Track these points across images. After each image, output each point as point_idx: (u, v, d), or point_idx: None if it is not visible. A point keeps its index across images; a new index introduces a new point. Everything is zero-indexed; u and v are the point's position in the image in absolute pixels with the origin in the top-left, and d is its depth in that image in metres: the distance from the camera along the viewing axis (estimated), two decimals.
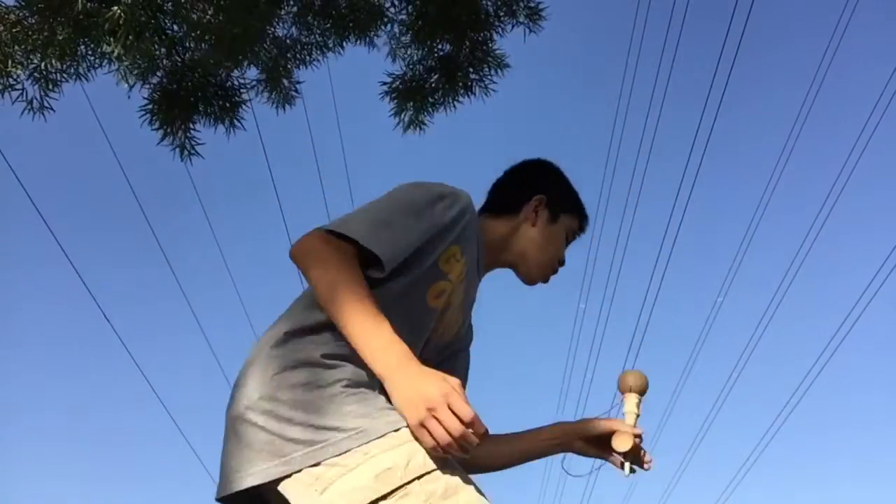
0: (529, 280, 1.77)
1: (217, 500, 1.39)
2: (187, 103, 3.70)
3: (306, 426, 1.30)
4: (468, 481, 1.29)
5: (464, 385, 1.71)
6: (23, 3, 3.37)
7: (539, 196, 1.76)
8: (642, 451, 1.72)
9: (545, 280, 1.79)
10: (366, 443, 1.27)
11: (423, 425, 1.25)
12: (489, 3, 4.23)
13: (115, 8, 3.35)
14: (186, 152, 3.75)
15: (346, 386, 1.35)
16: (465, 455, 1.27)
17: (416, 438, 1.27)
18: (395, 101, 4.51)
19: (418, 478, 1.25)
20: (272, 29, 4.49)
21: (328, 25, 4.62)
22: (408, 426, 1.29)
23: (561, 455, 1.80)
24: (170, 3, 3.59)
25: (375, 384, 1.37)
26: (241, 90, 3.90)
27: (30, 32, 3.37)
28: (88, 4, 3.39)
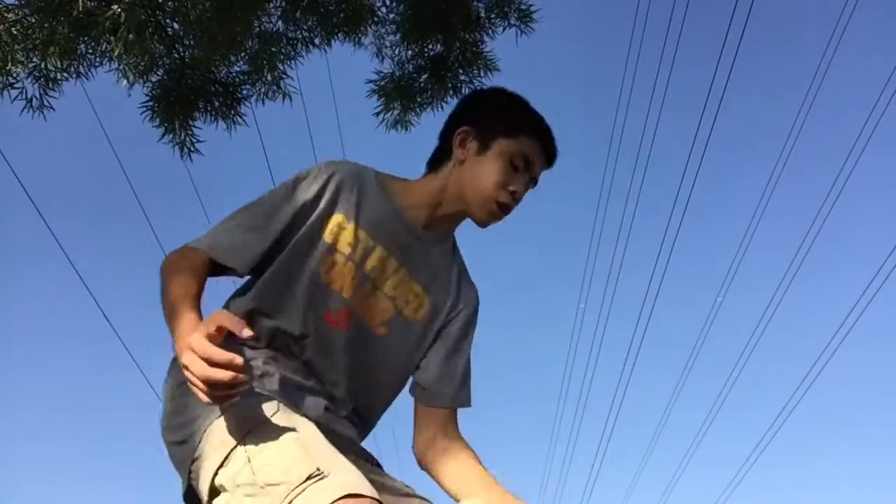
0: (478, 221, 1.60)
1: None
2: (187, 101, 3.70)
3: (177, 429, 1.39)
4: (292, 430, 1.28)
5: (461, 366, 1.64)
6: (23, 2, 3.32)
7: (462, 129, 1.59)
8: None
9: (495, 217, 1.59)
10: (210, 424, 1.31)
11: (190, 383, 1.23)
12: (480, 5, 4.28)
13: (115, 6, 3.33)
14: (187, 150, 3.76)
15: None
16: (232, 397, 1.23)
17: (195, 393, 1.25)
18: (383, 99, 4.55)
19: (243, 438, 1.26)
20: (259, 22, 4.48)
21: (315, 22, 4.62)
22: (248, 399, 1.32)
23: None
24: (170, 1, 3.57)
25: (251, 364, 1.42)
26: (241, 87, 3.90)
27: (30, 31, 3.33)
28: (89, 3, 3.36)
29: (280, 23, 4.63)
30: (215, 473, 1.27)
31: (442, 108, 4.53)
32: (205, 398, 1.21)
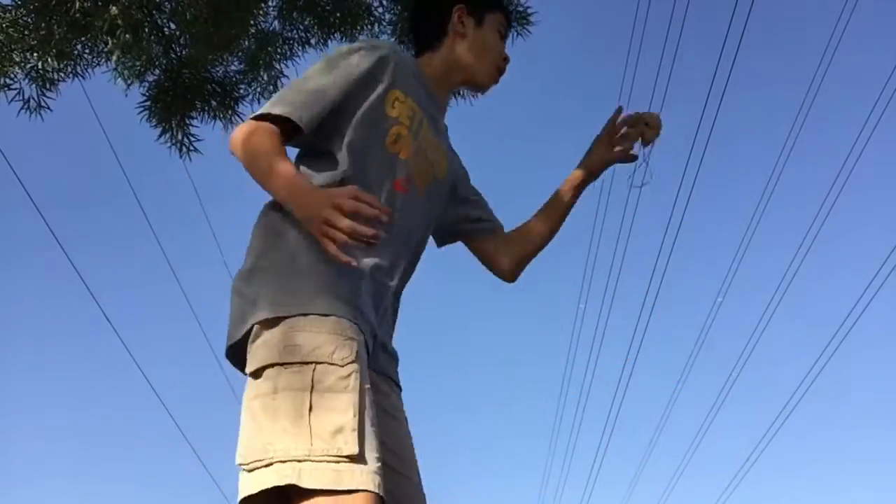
0: (482, 86, 1.88)
1: (226, 357, 1.54)
2: (184, 100, 3.70)
3: (266, 291, 1.45)
4: (359, 391, 1.36)
5: (486, 208, 1.96)
6: (19, 2, 3.32)
7: (457, 7, 1.84)
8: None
9: (496, 80, 1.89)
10: (297, 315, 1.40)
11: (324, 236, 1.37)
12: None
13: (113, 7, 3.33)
14: (185, 149, 3.77)
15: (316, 261, 1.46)
16: (375, 242, 1.37)
17: (326, 246, 1.38)
18: None
19: (317, 363, 1.34)
20: (255, 21, 4.47)
21: (312, 21, 4.62)
22: (342, 317, 1.41)
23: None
24: (166, 2, 3.57)
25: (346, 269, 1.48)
26: (238, 86, 3.90)
27: (26, 31, 3.33)
28: (85, 3, 3.36)
29: (276, 22, 4.64)
30: (272, 364, 1.36)
31: None
32: (333, 247, 1.36)
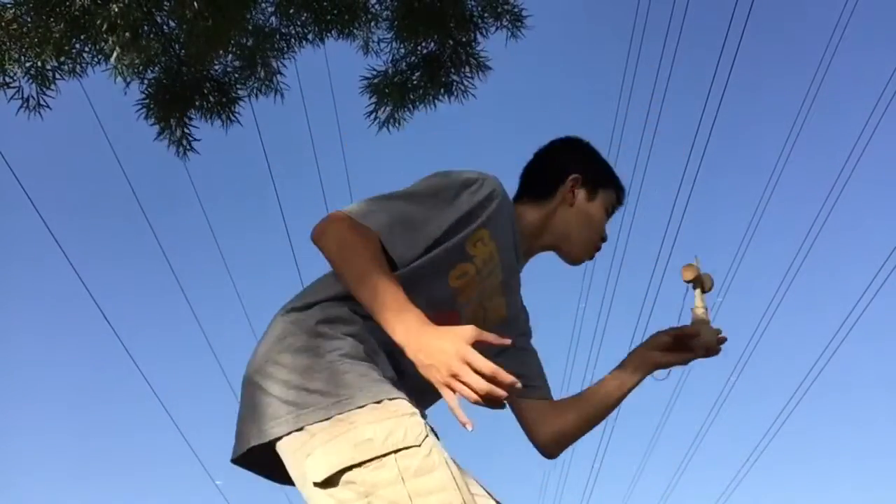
0: (575, 260, 1.81)
1: (231, 461, 1.47)
2: (183, 99, 3.71)
3: (300, 389, 1.37)
4: (446, 462, 1.33)
5: (540, 376, 1.83)
6: (19, 1, 3.31)
7: (574, 176, 1.77)
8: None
9: (590, 258, 1.83)
10: (350, 410, 1.32)
11: (449, 387, 1.27)
12: (474, 5, 4.31)
13: (113, 6, 3.34)
14: (183, 148, 3.77)
15: (343, 356, 1.40)
16: (499, 407, 1.29)
17: (448, 397, 1.28)
18: (375, 96, 4.56)
19: (395, 451, 1.29)
20: (252, 17, 4.48)
21: (309, 17, 4.63)
22: (393, 398, 1.35)
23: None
24: (166, 2, 3.58)
25: (375, 358, 1.44)
26: (237, 85, 3.91)
27: (25, 30, 3.32)
28: (86, 1, 3.36)
29: (273, 18, 4.65)
30: (348, 468, 1.29)
31: (434, 106, 4.56)
32: (456, 401, 1.26)
